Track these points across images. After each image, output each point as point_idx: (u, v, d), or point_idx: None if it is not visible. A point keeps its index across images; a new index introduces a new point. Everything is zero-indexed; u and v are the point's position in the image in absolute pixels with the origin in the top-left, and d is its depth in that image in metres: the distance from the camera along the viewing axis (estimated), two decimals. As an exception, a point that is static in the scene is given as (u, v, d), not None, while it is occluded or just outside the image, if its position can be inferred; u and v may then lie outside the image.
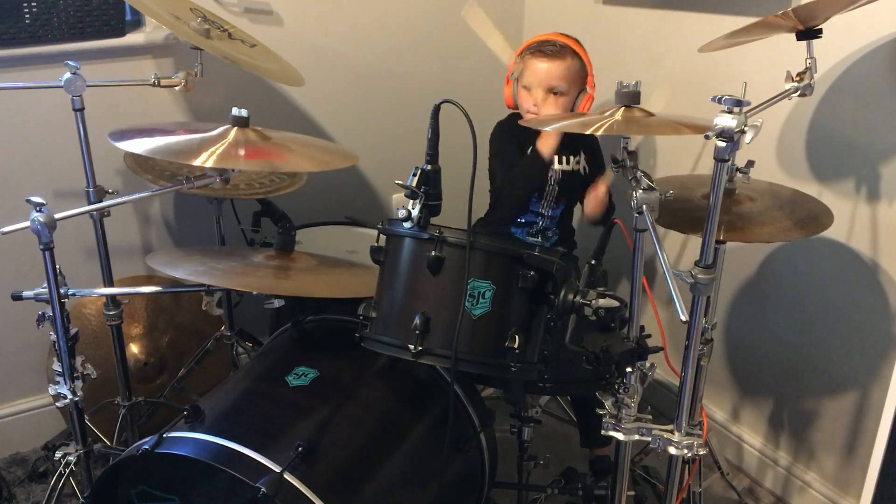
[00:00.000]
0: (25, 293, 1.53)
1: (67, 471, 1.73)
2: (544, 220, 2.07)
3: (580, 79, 1.95)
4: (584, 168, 2.02)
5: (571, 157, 2.03)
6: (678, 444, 1.34)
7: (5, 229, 1.43)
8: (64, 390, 1.55)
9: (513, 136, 2.00)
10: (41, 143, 2.10)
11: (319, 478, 1.34)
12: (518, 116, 1.99)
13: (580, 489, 1.89)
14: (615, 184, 2.26)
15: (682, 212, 1.59)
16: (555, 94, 1.93)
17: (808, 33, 1.55)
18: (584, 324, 1.36)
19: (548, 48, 1.93)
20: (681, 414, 1.34)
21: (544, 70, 1.92)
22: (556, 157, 1.99)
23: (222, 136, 1.56)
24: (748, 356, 2.22)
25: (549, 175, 2.02)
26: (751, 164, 1.66)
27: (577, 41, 1.97)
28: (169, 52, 2.18)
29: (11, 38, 1.95)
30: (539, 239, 2.08)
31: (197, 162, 1.45)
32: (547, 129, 1.59)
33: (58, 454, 1.73)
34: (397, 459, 1.54)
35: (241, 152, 1.53)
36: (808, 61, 1.55)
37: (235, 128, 1.58)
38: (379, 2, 2.44)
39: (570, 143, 2.01)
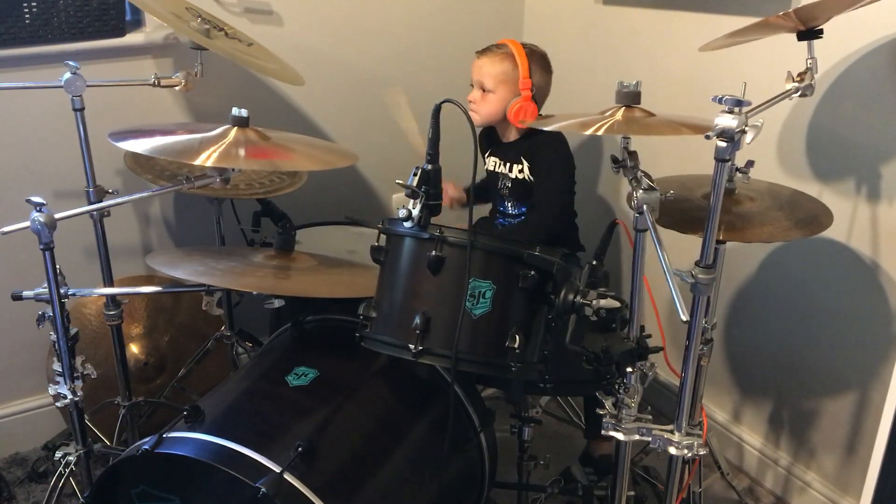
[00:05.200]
0: (25, 293, 1.53)
1: (67, 471, 1.73)
2: (514, 219, 2.12)
3: (510, 81, 1.98)
4: (528, 177, 2.03)
5: (515, 166, 2.06)
6: (678, 444, 1.34)
7: (5, 229, 1.43)
8: (64, 390, 1.55)
9: (481, 142, 2.16)
10: (41, 143, 2.09)
11: (319, 478, 1.34)
12: (493, 129, 2.12)
13: (580, 489, 1.89)
14: (611, 187, 2.26)
15: (682, 212, 1.59)
16: (484, 90, 2.01)
17: (809, 34, 1.55)
18: (585, 324, 1.36)
19: (488, 47, 2.03)
20: (681, 414, 1.34)
21: (477, 65, 2.03)
22: (505, 164, 2.08)
23: (222, 135, 1.56)
24: (748, 356, 2.22)
25: (500, 180, 2.10)
26: (751, 164, 1.66)
27: (525, 48, 1.99)
28: (169, 52, 2.18)
29: (11, 38, 1.95)
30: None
31: (197, 162, 1.45)
32: (547, 128, 1.59)
33: (58, 454, 1.73)
34: (397, 459, 1.54)
35: (242, 152, 1.53)
36: (809, 61, 1.55)
37: (235, 128, 1.59)
38: (379, 4, 2.44)
39: (515, 152, 2.05)
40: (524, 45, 2.00)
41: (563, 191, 2.02)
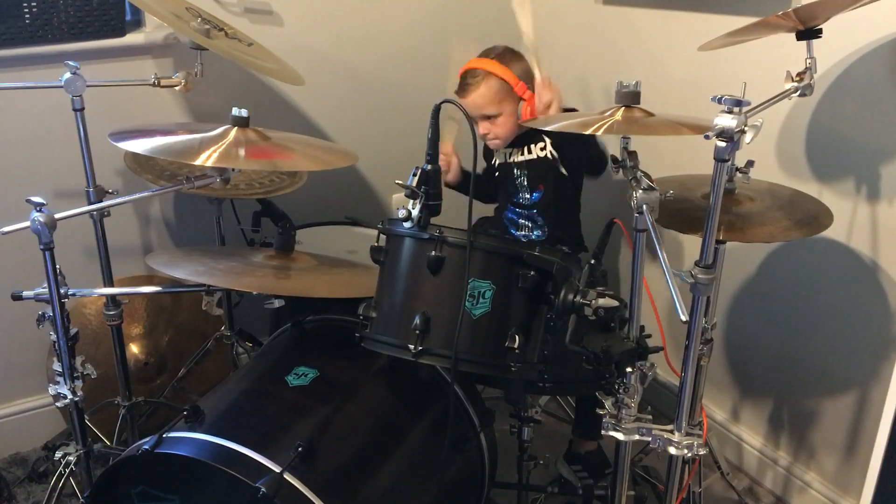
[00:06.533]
0: (25, 293, 1.53)
1: (67, 471, 1.73)
2: (527, 208, 2.12)
3: (506, 94, 1.99)
4: (551, 153, 2.03)
5: (533, 146, 2.06)
6: (678, 444, 1.34)
7: (5, 229, 1.43)
8: (64, 390, 1.55)
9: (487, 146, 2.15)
10: (41, 143, 2.10)
11: (319, 478, 1.34)
12: None
13: (580, 489, 1.89)
14: (614, 186, 2.26)
15: (682, 212, 1.59)
16: (489, 118, 2.01)
17: (809, 33, 1.55)
18: (584, 324, 1.36)
19: (465, 83, 2.01)
20: (681, 414, 1.34)
21: (470, 104, 2.00)
22: (521, 150, 2.08)
23: (222, 135, 1.56)
24: (748, 356, 2.21)
25: (514, 168, 2.10)
26: (751, 164, 1.66)
27: (496, 58, 1.99)
28: (169, 52, 2.18)
29: (11, 38, 1.95)
30: (529, 224, 2.13)
31: (197, 162, 1.45)
32: (548, 128, 1.60)
33: (58, 454, 1.73)
34: (397, 459, 1.54)
35: (242, 152, 1.53)
36: (808, 61, 1.55)
37: (235, 128, 1.59)
38: (379, 4, 2.44)
39: (532, 133, 2.05)
40: (486, 56, 2.01)
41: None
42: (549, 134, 2.02)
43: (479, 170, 2.22)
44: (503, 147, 2.07)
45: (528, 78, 2.00)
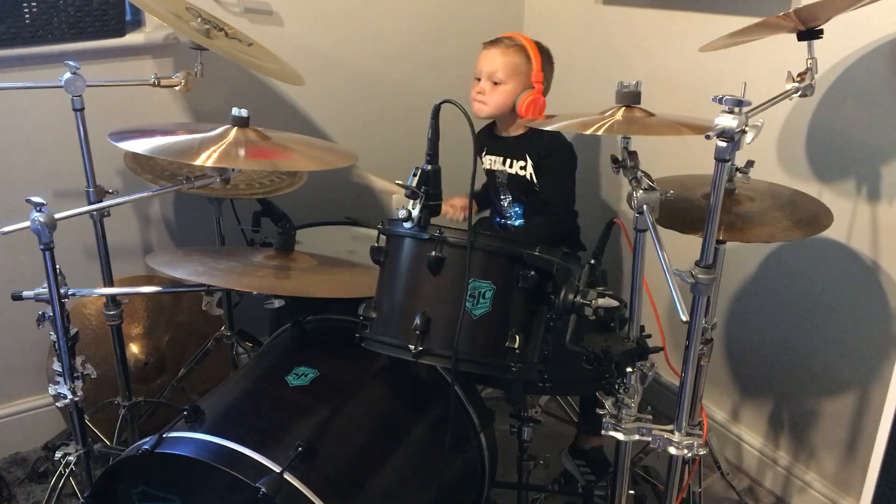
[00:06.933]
0: (25, 293, 1.53)
1: (67, 471, 1.73)
2: (510, 218, 2.13)
3: (522, 72, 1.98)
4: (530, 175, 2.03)
5: (516, 162, 2.05)
6: (678, 444, 1.34)
7: (5, 229, 1.43)
8: (64, 390, 1.55)
9: (480, 143, 2.11)
10: (41, 143, 2.10)
11: (319, 478, 1.34)
12: (490, 126, 2.11)
13: (580, 489, 1.89)
14: (612, 187, 2.26)
15: (682, 212, 1.59)
16: (495, 83, 1.99)
17: (810, 34, 1.55)
18: (585, 324, 1.36)
19: (498, 39, 2.02)
20: (681, 414, 1.34)
21: (487, 56, 2.01)
22: (503, 160, 2.07)
23: (222, 135, 1.56)
24: (748, 356, 2.21)
25: (497, 177, 2.10)
26: (751, 164, 1.66)
27: (534, 42, 2.00)
28: (169, 52, 2.18)
29: (11, 38, 1.95)
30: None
31: (197, 162, 1.45)
32: (549, 128, 1.59)
33: (58, 454, 1.73)
34: (397, 459, 1.54)
35: (242, 152, 1.53)
36: (809, 62, 1.55)
37: (235, 128, 1.59)
38: (379, 4, 2.45)
39: (517, 148, 2.04)
40: (532, 40, 2.01)
41: (571, 196, 2.03)
42: (532, 156, 2.01)
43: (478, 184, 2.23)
44: (484, 116, 2.04)
45: (548, 77, 2.01)
